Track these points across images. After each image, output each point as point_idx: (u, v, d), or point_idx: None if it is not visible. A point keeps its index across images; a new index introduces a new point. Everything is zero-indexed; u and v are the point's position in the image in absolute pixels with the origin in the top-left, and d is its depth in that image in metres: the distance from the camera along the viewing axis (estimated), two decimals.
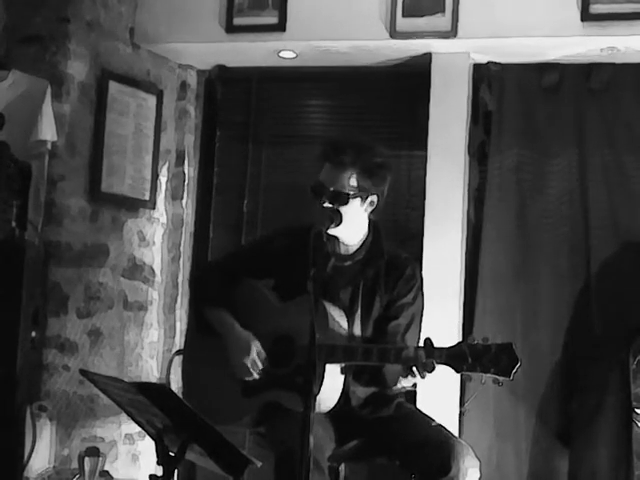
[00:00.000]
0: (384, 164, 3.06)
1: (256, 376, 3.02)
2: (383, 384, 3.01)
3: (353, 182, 2.99)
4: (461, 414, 4.29)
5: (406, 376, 2.80)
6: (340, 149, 3.00)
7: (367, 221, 3.12)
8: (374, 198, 3.06)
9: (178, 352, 4.53)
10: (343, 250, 3.12)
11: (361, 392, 3.07)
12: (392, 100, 4.76)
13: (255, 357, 3.02)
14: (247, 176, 4.98)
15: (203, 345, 3.24)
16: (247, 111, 5.00)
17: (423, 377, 2.77)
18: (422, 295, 3.15)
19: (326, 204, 2.98)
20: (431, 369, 2.73)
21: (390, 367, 2.90)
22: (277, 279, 3.17)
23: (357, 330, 3.05)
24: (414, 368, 2.75)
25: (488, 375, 2.69)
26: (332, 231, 3.01)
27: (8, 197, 3.84)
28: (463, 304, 4.39)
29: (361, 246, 3.12)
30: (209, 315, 3.17)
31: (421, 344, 2.81)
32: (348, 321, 3.03)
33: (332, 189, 2.98)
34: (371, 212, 3.09)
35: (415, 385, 2.92)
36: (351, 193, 2.99)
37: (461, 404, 4.30)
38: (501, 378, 2.67)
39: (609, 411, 4.14)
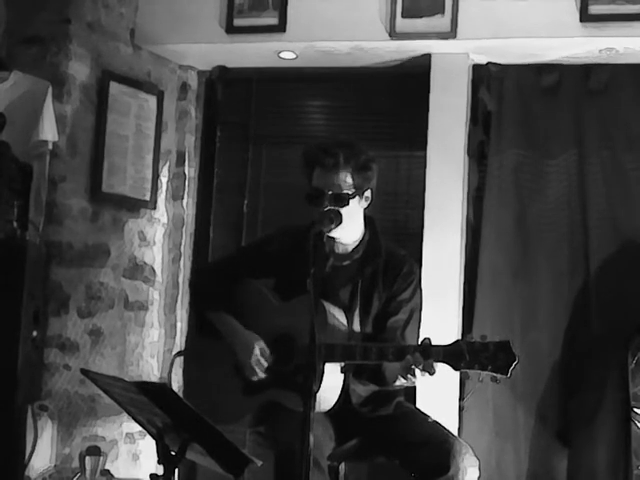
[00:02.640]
0: (372, 157, 3.09)
1: (262, 375, 3.04)
2: (383, 381, 3.02)
3: (349, 181, 3.02)
4: (460, 409, 4.30)
5: (406, 376, 2.81)
6: (330, 151, 3.01)
7: (363, 217, 3.14)
8: (368, 193, 3.10)
9: (179, 353, 4.54)
10: (341, 249, 3.14)
11: (362, 390, 3.08)
12: (392, 101, 4.76)
13: (259, 356, 3.03)
14: (247, 176, 4.99)
15: (204, 346, 3.26)
16: (247, 112, 5.01)
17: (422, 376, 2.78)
18: (420, 291, 3.16)
19: (327, 208, 2.99)
20: (432, 372, 2.74)
21: (389, 365, 2.92)
22: (277, 279, 3.18)
23: (356, 328, 3.07)
24: (416, 370, 2.76)
25: (486, 373, 2.70)
26: (333, 233, 3.03)
27: (9, 197, 3.84)
28: (462, 304, 4.40)
29: (359, 244, 3.14)
30: (212, 318, 3.19)
31: (419, 343, 2.82)
32: (347, 319, 3.05)
33: (331, 192, 3.00)
34: (367, 207, 3.12)
35: (413, 383, 2.91)
36: (350, 193, 3.02)
37: (460, 402, 4.31)
38: (499, 376, 2.69)
39: (608, 410, 4.15)
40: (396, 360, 2.81)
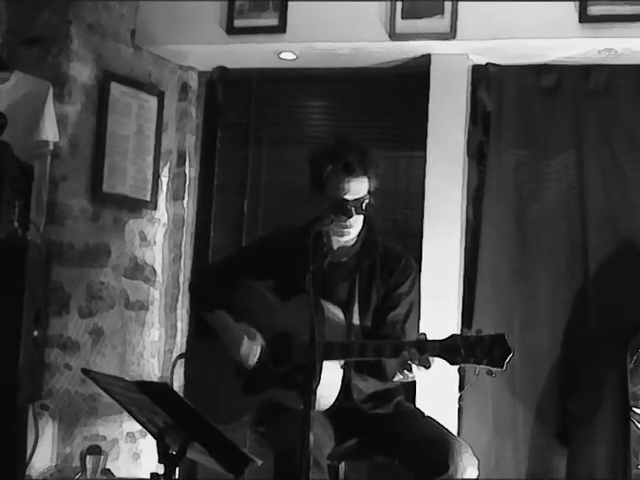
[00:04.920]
0: (376, 155, 3.10)
1: (254, 360, 3.05)
2: (383, 376, 3.03)
3: (366, 188, 3.03)
4: (459, 404, 4.31)
5: (402, 371, 2.82)
6: (349, 162, 2.98)
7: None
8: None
9: (181, 356, 4.56)
10: (339, 246, 3.15)
11: (363, 386, 3.09)
12: (391, 101, 4.77)
13: (247, 342, 3.06)
14: (248, 176, 5.00)
15: (204, 347, 3.28)
16: (248, 112, 5.02)
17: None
18: (418, 284, 3.18)
19: (353, 217, 3.01)
20: (428, 366, 2.75)
21: (389, 359, 2.93)
22: (277, 279, 3.19)
23: (355, 323, 3.08)
24: (412, 365, 2.77)
25: (481, 366, 2.71)
26: (345, 236, 3.04)
27: (10, 197, 3.85)
28: (462, 303, 4.41)
29: (356, 240, 3.15)
30: (209, 319, 3.20)
31: (415, 339, 2.83)
32: (345, 316, 3.05)
33: (353, 202, 3.00)
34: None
35: (412, 377, 2.92)
36: (367, 201, 3.04)
37: (459, 400, 4.33)
38: (494, 369, 2.69)
39: (607, 410, 4.15)
40: (393, 356, 2.82)
